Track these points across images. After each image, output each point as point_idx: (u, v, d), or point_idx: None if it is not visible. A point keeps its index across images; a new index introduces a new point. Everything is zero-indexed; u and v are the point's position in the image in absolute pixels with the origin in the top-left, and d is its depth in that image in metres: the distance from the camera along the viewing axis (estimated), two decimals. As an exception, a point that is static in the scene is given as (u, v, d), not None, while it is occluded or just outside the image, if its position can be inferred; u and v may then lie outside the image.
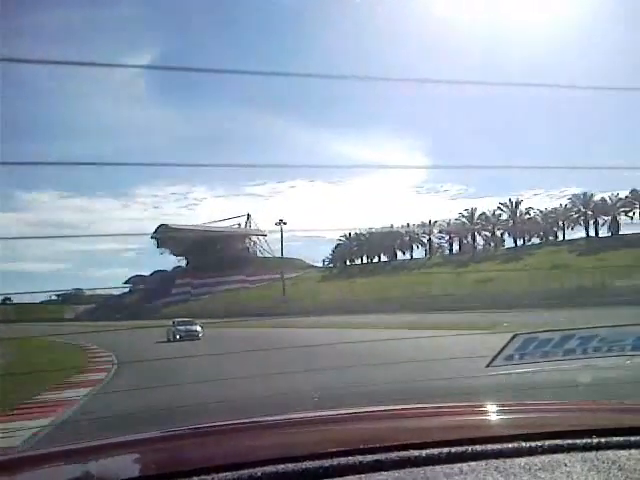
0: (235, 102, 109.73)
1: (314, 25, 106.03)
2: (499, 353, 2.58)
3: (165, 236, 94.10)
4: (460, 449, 1.13)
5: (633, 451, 1.15)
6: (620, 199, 66.40)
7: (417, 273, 67.56)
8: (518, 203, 73.83)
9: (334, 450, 1.13)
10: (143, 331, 31.76)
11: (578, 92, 67.38)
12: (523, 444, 1.16)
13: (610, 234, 66.90)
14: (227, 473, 1.05)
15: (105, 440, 1.48)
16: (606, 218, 67.81)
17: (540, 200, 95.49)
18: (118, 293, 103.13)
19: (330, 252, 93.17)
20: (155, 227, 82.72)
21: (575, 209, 69.95)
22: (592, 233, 69.41)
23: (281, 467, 1.06)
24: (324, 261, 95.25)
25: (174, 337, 28.77)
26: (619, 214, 67.15)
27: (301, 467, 1.07)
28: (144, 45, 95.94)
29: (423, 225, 79.75)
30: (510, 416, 1.60)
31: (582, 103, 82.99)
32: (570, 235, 72.13)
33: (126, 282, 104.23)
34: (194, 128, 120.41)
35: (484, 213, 76.33)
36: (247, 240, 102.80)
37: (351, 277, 75.47)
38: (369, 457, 1.10)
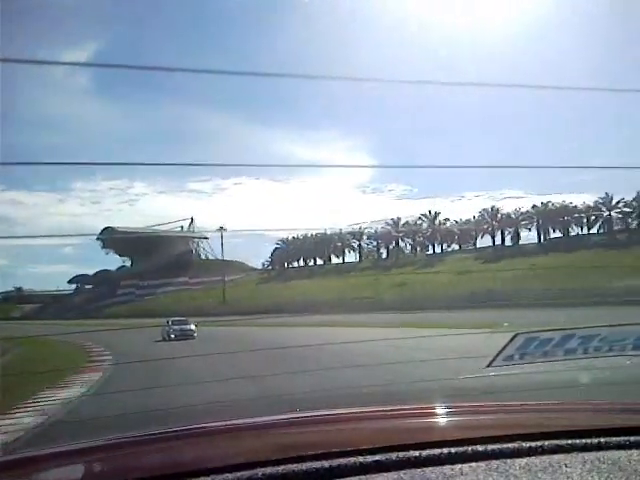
0: (181, 99, 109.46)
1: (262, 24, 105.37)
2: (499, 353, 2.55)
3: (110, 238, 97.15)
4: (460, 449, 1.14)
5: (633, 451, 1.16)
6: (522, 213, 76.15)
7: (347, 277, 74.60)
8: (437, 214, 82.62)
9: (334, 450, 1.14)
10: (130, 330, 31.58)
11: (526, 91, 73.46)
12: (523, 444, 1.17)
13: (512, 244, 76.69)
14: (227, 474, 1.05)
15: (105, 440, 1.50)
16: (510, 229, 77.62)
17: (482, 202, 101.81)
18: (63, 292, 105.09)
19: (269, 256, 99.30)
20: (93, 223, 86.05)
21: (484, 221, 79.32)
22: (510, 242, 79.12)
23: (281, 467, 1.06)
24: (263, 264, 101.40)
25: (169, 336, 28.38)
26: (520, 227, 77.01)
27: (301, 467, 1.07)
28: (88, 40, 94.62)
29: (353, 232, 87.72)
30: (510, 416, 1.65)
31: (531, 103, 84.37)
32: (482, 243, 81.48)
33: (70, 281, 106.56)
34: (137, 124, 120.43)
35: (407, 222, 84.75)
36: (190, 243, 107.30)
37: (287, 280, 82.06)
38: (369, 457, 1.10)
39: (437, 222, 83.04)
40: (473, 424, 1.51)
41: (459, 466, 1.09)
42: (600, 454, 1.14)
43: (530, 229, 76.38)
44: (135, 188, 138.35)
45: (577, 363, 2.78)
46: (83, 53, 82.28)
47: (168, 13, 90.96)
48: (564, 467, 1.09)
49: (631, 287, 37.88)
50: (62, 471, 1.33)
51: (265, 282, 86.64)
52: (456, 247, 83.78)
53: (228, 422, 1.62)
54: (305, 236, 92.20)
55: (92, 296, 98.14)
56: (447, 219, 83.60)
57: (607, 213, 67.97)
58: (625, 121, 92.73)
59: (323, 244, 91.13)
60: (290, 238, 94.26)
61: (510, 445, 1.16)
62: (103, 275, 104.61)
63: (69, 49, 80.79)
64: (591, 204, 69.56)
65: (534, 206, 74.92)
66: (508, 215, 76.67)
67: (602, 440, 1.19)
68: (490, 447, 1.14)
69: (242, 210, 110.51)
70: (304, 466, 1.07)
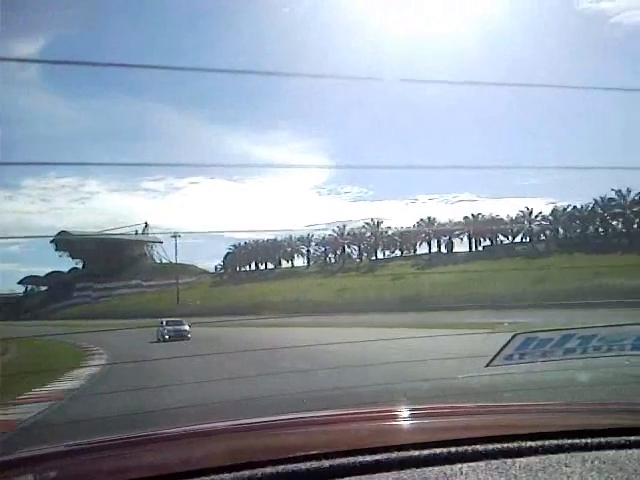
0: (137, 96, 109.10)
1: (219, 21, 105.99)
2: (499, 352, 2.51)
3: (64, 241, 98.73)
4: (460, 449, 1.14)
5: (633, 451, 1.16)
6: (455, 224, 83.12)
7: (294, 280, 79.73)
8: (380, 222, 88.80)
9: (334, 450, 1.13)
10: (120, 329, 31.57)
11: (486, 91, 77.52)
12: (523, 444, 1.17)
13: (447, 251, 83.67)
14: (227, 474, 1.05)
15: (105, 440, 1.49)
16: (445, 238, 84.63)
17: (436, 205, 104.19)
18: (15, 293, 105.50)
19: (222, 259, 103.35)
20: (43, 221, 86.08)
21: (422, 230, 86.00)
22: (445, 249, 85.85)
23: (281, 467, 1.06)
24: (216, 267, 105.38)
25: (163, 337, 28.09)
26: (454, 236, 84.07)
27: (301, 467, 1.07)
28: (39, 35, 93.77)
29: (302, 238, 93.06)
30: (510, 416, 1.65)
31: (490, 102, 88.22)
32: (422, 250, 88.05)
33: (20, 282, 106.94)
34: (91, 121, 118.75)
35: (353, 229, 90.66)
36: (144, 247, 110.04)
37: (239, 283, 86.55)
38: (369, 457, 1.10)
39: (380, 230, 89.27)
40: (473, 424, 1.52)
41: (459, 466, 1.09)
42: (600, 454, 1.14)
43: (462, 238, 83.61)
44: (87, 186, 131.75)
45: (576, 363, 2.66)
46: (30, 48, 79.29)
47: (126, 8, 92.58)
48: (564, 467, 1.08)
49: (546, 292, 44.55)
50: (62, 471, 1.31)
51: (217, 285, 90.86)
52: (398, 253, 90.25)
53: (228, 422, 1.63)
54: (257, 241, 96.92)
55: (47, 298, 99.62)
56: (389, 227, 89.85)
57: (528, 225, 75.50)
58: (587, 122, 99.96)
59: (274, 249, 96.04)
60: (242, 243, 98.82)
61: (510, 445, 1.16)
62: (56, 277, 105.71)
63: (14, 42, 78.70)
64: (514, 216, 76.97)
65: (465, 217, 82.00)
66: (443, 225, 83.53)
67: (602, 440, 1.19)
68: (490, 447, 1.15)
69: (197, 210, 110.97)
70: (304, 466, 1.07)
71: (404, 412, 1.63)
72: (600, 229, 69.39)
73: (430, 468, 1.08)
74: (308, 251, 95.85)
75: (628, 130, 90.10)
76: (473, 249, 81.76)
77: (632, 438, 1.20)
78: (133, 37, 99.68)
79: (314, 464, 1.08)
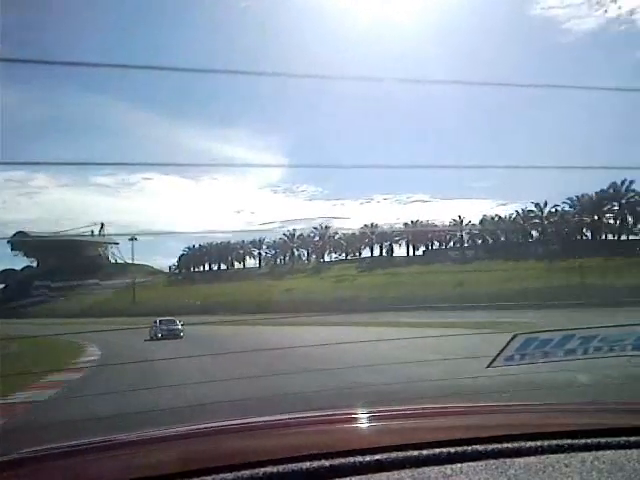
0: (94, 92, 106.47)
1: (176, 17, 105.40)
2: (499, 353, 2.52)
3: (21, 241, 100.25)
4: (460, 449, 1.14)
5: (633, 451, 1.16)
6: (394, 231, 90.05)
7: (245, 281, 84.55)
8: (327, 227, 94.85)
9: (334, 450, 1.13)
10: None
11: (440, 91, 76.09)
12: (523, 444, 1.17)
13: (389, 256, 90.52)
14: (227, 474, 1.06)
15: (105, 440, 1.49)
16: (386, 243, 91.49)
17: (390, 205, 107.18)
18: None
19: (176, 260, 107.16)
20: None
21: (366, 235, 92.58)
22: (386, 254, 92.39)
23: (281, 467, 1.06)
24: (171, 267, 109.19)
25: (155, 336, 28.31)
26: (395, 241, 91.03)
27: (301, 467, 1.07)
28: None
29: (254, 241, 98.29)
30: (510, 416, 1.65)
31: (446, 102, 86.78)
32: (366, 254, 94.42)
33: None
34: (43, 115, 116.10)
35: (302, 234, 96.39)
36: (100, 247, 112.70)
37: (193, 283, 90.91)
38: (369, 457, 1.10)
39: (327, 234, 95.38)
40: (473, 424, 1.52)
41: (459, 466, 1.09)
42: (600, 454, 1.14)
43: (400, 245, 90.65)
44: (35, 180, 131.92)
45: (577, 364, 2.72)
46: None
47: (80, 6, 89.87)
48: (564, 467, 1.08)
49: (465, 294, 50.84)
50: (62, 471, 1.31)
51: (172, 285, 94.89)
52: (344, 256, 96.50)
53: (228, 422, 1.64)
54: (210, 244, 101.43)
55: (5, 295, 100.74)
56: (336, 232, 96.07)
57: (460, 233, 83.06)
58: (540, 122, 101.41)
59: (227, 251, 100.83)
60: (197, 245, 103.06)
61: (510, 445, 1.17)
62: (9, 274, 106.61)
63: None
64: (448, 224, 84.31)
65: (405, 224, 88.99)
66: (384, 231, 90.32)
67: (602, 440, 1.20)
68: (490, 447, 1.15)
69: (150, 207, 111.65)
70: (304, 466, 1.07)
71: (404, 412, 1.67)
72: (520, 238, 77.52)
73: (430, 468, 1.08)
74: (259, 254, 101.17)
75: (582, 130, 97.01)
76: (411, 254, 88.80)
77: (632, 438, 1.21)
78: (86, 34, 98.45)
79: (314, 464, 1.08)
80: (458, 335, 17.89)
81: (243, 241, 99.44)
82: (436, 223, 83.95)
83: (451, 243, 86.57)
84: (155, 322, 30.08)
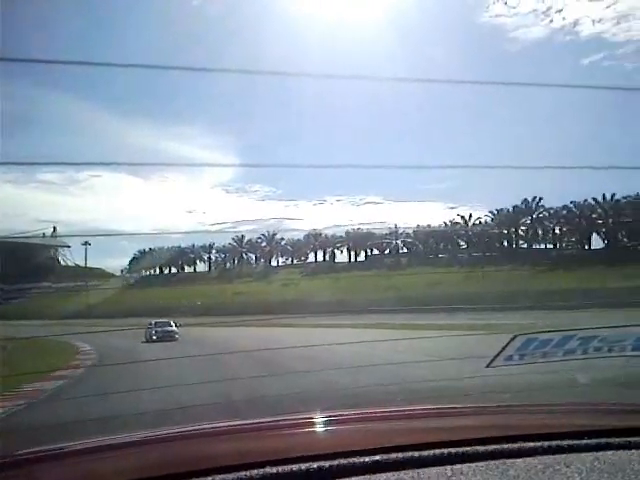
0: (42, 88, 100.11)
1: (129, 12, 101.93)
2: (499, 353, 2.50)
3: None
4: (460, 450, 1.14)
5: (633, 452, 1.16)
6: (336, 237, 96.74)
7: (195, 285, 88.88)
8: (275, 234, 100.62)
9: (334, 451, 1.14)
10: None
11: (392, 90, 75.78)
12: (523, 444, 1.17)
13: (332, 261, 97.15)
14: (227, 474, 1.06)
15: (105, 440, 1.50)
16: (328, 250, 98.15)
17: (343, 206, 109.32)
18: None
19: (128, 263, 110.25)
20: None
21: (310, 242, 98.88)
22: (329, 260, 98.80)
23: (281, 467, 1.07)
24: (122, 271, 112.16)
25: (151, 338, 28.26)
26: (336, 248, 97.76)
27: (301, 467, 1.07)
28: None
29: (204, 246, 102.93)
30: (510, 417, 1.66)
31: (399, 101, 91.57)
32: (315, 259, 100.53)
33: None
34: None
35: (250, 239, 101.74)
36: (52, 250, 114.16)
37: (144, 287, 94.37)
38: (369, 458, 1.10)
39: (274, 240, 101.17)
40: (473, 424, 1.52)
41: (459, 466, 1.09)
42: (600, 454, 1.14)
43: (342, 251, 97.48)
44: None
45: (577, 364, 2.68)
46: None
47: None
48: (564, 467, 1.08)
49: (395, 298, 57.08)
50: (62, 471, 1.31)
51: (125, 288, 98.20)
52: (292, 261, 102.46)
53: (228, 422, 1.65)
54: (162, 248, 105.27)
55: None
56: (282, 238, 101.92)
57: (394, 241, 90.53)
58: (495, 122, 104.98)
59: (178, 254, 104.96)
60: (148, 249, 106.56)
61: (510, 445, 1.17)
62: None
63: None
64: (384, 232, 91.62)
65: (347, 232, 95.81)
66: (327, 238, 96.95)
67: (602, 441, 1.20)
68: (490, 447, 1.15)
69: (98, 206, 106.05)
70: (304, 466, 1.07)
71: (404, 412, 1.69)
72: (448, 246, 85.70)
73: (430, 468, 1.08)
74: (209, 258, 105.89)
75: (534, 132, 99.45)
76: (352, 260, 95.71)
77: (632, 438, 1.21)
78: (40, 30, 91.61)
79: (314, 464, 1.08)
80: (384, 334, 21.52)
81: (193, 245, 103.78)
82: (389, 226, 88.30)
83: (387, 250, 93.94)
84: (150, 324, 29.94)
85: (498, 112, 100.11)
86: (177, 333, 28.88)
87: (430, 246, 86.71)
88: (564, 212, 74.88)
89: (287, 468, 1.07)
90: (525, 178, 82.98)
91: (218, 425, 1.61)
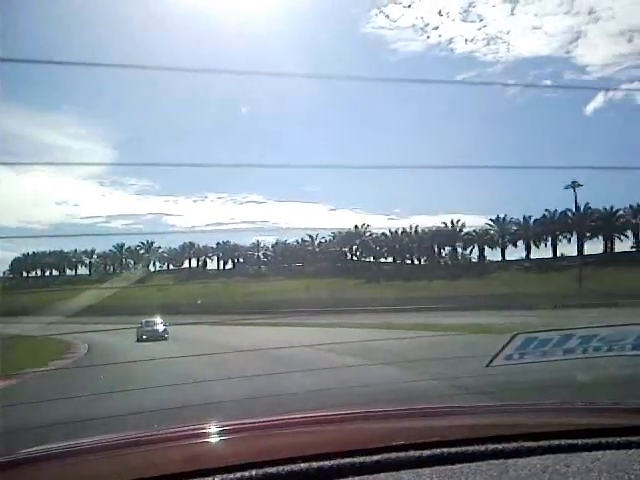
0: None
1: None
2: (499, 352, 2.44)
3: None
4: (460, 449, 1.14)
5: (633, 451, 1.16)
6: (208, 248, 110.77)
7: (75, 288, 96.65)
8: (152, 243, 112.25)
9: (334, 450, 1.14)
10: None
11: (282, 88, 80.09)
12: (523, 444, 1.17)
13: (203, 269, 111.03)
14: (227, 474, 1.06)
15: (104, 440, 1.50)
16: (201, 259, 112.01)
17: (224, 204, 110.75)
18: None
19: (9, 265, 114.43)
20: None
21: (185, 251, 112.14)
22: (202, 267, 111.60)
23: (281, 467, 1.07)
24: (4, 272, 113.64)
25: (141, 337, 27.97)
26: (208, 257, 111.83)
27: (301, 467, 1.07)
28: None
29: (86, 251, 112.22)
30: (510, 416, 1.67)
31: (285, 100, 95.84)
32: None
33: None
34: None
35: (129, 247, 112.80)
36: None
37: (24, 290, 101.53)
38: (369, 458, 1.11)
39: (153, 249, 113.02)
40: (473, 424, 1.52)
41: (459, 466, 1.09)
42: (600, 454, 1.14)
43: (213, 260, 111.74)
44: None
45: (576, 363, 2.61)
46: None
47: None
48: (564, 467, 1.08)
49: (256, 303, 70.47)
50: (62, 471, 1.31)
51: (5, 290, 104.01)
52: (167, 267, 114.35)
53: (228, 422, 1.63)
54: (44, 252, 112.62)
55: None
56: (159, 247, 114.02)
57: (257, 253, 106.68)
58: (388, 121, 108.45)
59: (60, 258, 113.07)
60: (30, 253, 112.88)
61: (510, 445, 1.17)
62: None
63: None
64: (248, 245, 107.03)
65: (218, 244, 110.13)
66: (199, 247, 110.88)
67: (602, 440, 1.20)
68: (490, 447, 1.16)
69: None
70: (304, 466, 1.07)
71: (404, 412, 1.68)
72: (298, 260, 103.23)
73: (430, 468, 1.08)
74: (90, 262, 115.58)
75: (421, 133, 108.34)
76: (221, 268, 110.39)
77: (632, 438, 1.21)
78: None
79: (314, 464, 1.08)
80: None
81: (76, 250, 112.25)
82: (266, 229, 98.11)
83: (251, 261, 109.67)
84: (141, 323, 30.00)
85: (384, 114, 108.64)
86: (167, 332, 28.63)
87: (285, 259, 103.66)
88: (383, 237, 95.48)
89: (287, 468, 1.07)
90: (404, 180, 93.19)
91: (218, 425, 1.59)
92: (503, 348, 2.58)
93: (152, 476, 1.12)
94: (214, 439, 1.47)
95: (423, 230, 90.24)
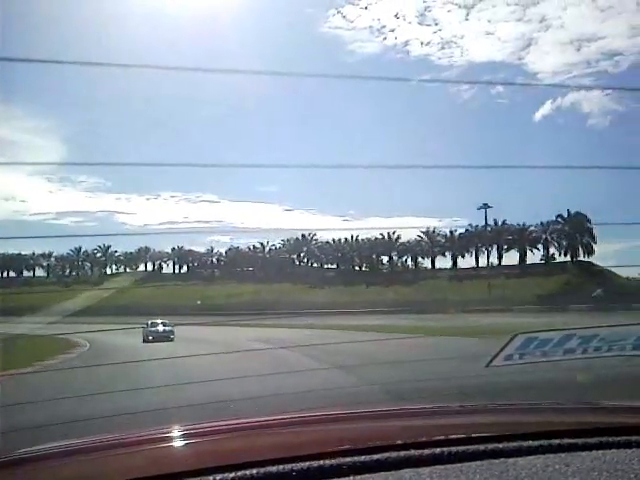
0: None
1: None
2: (499, 352, 2.43)
3: None
4: (460, 449, 1.14)
5: (633, 451, 1.16)
6: (163, 253, 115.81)
7: (32, 290, 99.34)
8: (109, 247, 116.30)
9: (334, 450, 1.14)
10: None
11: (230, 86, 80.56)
12: (523, 444, 1.17)
13: (159, 272, 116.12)
14: (227, 474, 1.06)
15: (104, 440, 1.50)
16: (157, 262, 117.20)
17: (177, 203, 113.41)
18: None
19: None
20: None
21: (141, 255, 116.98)
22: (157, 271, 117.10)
23: (281, 467, 1.07)
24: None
25: (147, 338, 27.85)
26: (163, 261, 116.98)
27: (301, 467, 1.07)
28: None
29: (43, 254, 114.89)
30: (510, 416, 1.67)
31: (239, 98, 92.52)
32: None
33: None
34: None
35: (86, 250, 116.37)
36: None
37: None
38: (369, 457, 1.11)
39: (108, 252, 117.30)
40: (473, 423, 1.53)
41: (459, 465, 1.10)
42: (600, 454, 1.15)
43: (168, 264, 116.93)
44: None
45: (577, 363, 2.59)
46: None
47: None
48: (564, 467, 1.09)
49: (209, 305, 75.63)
50: (62, 471, 1.31)
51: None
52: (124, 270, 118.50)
53: (228, 422, 1.64)
54: (3, 254, 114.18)
55: None
56: (116, 250, 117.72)
57: (211, 258, 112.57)
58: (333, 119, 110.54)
59: (19, 261, 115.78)
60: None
61: (510, 445, 1.17)
62: None
63: None
64: (203, 251, 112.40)
65: (173, 249, 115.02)
66: (154, 251, 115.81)
67: (602, 440, 1.20)
68: (490, 447, 1.16)
69: None
70: (304, 466, 1.07)
71: (404, 412, 1.70)
72: (248, 266, 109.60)
73: (430, 468, 1.09)
74: (48, 265, 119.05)
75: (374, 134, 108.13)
76: (176, 272, 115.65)
77: (632, 438, 1.22)
78: None
79: (314, 463, 1.09)
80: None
81: (34, 253, 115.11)
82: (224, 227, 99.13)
83: (205, 265, 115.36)
84: (147, 324, 30.14)
85: (340, 114, 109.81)
86: (172, 333, 28.79)
87: (237, 264, 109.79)
88: (327, 245, 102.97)
89: (287, 467, 1.07)
90: (359, 182, 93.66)
91: (218, 425, 1.60)
92: (503, 348, 2.55)
93: (152, 475, 1.13)
94: (214, 439, 1.47)
95: (362, 240, 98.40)
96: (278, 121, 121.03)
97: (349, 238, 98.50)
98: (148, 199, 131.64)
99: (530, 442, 1.18)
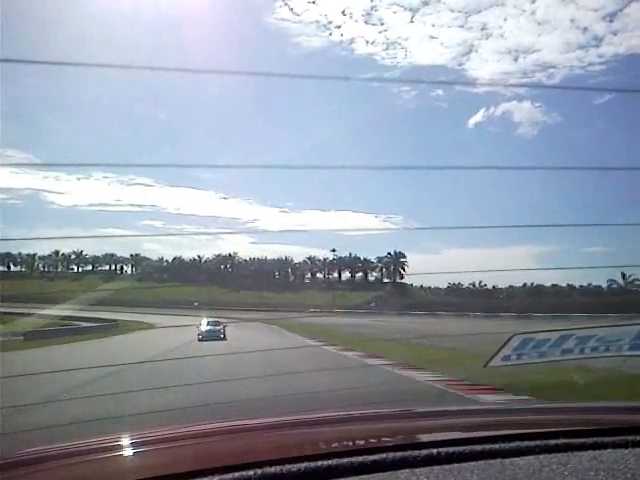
0: None
1: None
2: (497, 352, 2.28)
3: None
4: (459, 449, 1.15)
5: (630, 450, 1.17)
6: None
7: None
8: (82, 251, 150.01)
9: (333, 450, 1.16)
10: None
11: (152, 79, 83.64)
12: (520, 444, 1.18)
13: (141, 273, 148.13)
14: (227, 474, 1.06)
15: (104, 440, 1.50)
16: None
17: (110, 184, 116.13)
18: None
19: None
20: None
21: (108, 258, 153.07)
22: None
23: (281, 467, 1.07)
24: None
25: (200, 337, 28.58)
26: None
27: (301, 467, 1.07)
28: None
29: (28, 254, 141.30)
30: (510, 416, 1.68)
31: (175, 91, 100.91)
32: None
33: None
34: None
35: (64, 253, 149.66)
36: None
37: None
38: (368, 457, 1.11)
39: (81, 256, 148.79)
40: (470, 424, 1.53)
41: (456, 465, 1.10)
42: (597, 453, 1.15)
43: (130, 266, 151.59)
44: None
45: (575, 363, 2.31)
46: None
47: None
48: (563, 467, 1.09)
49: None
50: (62, 471, 1.32)
51: None
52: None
53: (228, 422, 1.64)
54: None
55: None
56: (87, 254, 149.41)
57: (162, 264, 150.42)
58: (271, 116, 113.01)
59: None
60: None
61: (507, 444, 1.18)
62: None
63: None
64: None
65: (131, 255, 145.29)
66: (117, 256, 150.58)
67: (599, 439, 1.21)
68: (487, 447, 1.16)
69: None
70: (304, 466, 1.08)
71: (403, 413, 1.71)
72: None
73: (429, 468, 1.09)
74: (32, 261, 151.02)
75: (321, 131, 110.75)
76: (134, 273, 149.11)
77: (629, 437, 1.22)
78: None
79: (312, 464, 1.09)
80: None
81: (20, 253, 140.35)
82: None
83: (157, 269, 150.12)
84: (200, 323, 31.04)
85: (283, 108, 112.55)
86: (222, 332, 29.71)
87: (180, 270, 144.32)
88: (244, 262, 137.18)
89: (286, 468, 1.07)
90: (299, 175, 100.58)
91: (218, 425, 1.60)
92: (500, 349, 2.44)
93: (152, 476, 1.13)
94: (214, 439, 1.48)
95: (270, 260, 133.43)
96: (221, 113, 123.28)
97: (260, 257, 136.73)
98: (79, 179, 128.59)
99: (527, 442, 1.20)
